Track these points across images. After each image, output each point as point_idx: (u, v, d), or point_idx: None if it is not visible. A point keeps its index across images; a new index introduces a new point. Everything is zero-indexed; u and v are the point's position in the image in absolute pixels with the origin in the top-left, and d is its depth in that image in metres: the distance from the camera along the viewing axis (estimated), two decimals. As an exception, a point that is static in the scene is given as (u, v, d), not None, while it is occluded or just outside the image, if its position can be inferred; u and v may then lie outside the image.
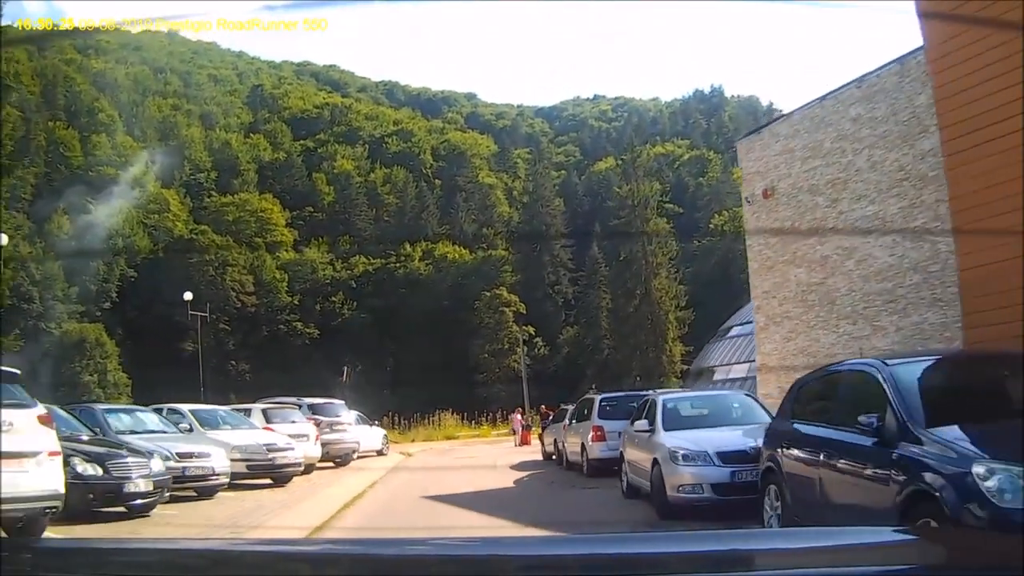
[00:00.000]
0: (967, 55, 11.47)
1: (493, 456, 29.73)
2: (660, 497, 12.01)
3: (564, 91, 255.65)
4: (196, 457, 14.83)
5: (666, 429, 12.66)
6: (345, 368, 72.55)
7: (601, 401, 19.50)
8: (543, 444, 28.03)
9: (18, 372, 9.94)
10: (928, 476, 6.00)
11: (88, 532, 10.72)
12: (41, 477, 9.26)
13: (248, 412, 19.93)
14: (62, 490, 9.64)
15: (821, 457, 7.63)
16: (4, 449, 8.63)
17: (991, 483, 5.55)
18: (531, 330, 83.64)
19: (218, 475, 15.26)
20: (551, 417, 29.58)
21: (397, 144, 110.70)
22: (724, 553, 2.31)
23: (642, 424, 13.43)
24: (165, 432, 15.80)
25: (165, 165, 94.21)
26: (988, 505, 5.52)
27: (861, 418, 6.75)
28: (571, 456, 21.07)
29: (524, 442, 37.14)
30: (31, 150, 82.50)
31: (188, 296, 56.93)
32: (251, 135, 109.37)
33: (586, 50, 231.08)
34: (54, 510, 9.64)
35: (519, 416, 41.67)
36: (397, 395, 66.12)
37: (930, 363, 7.94)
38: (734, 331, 34.56)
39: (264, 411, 19.94)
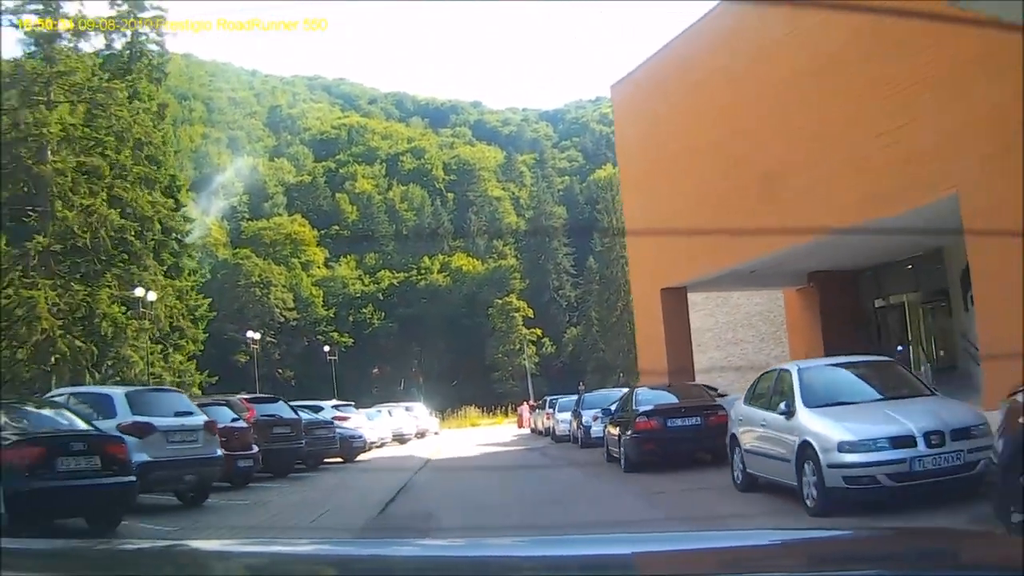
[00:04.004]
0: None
1: (504, 432, 56.51)
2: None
3: (567, 93, 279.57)
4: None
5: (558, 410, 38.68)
6: (406, 376, 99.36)
7: (552, 398, 45.36)
8: (531, 424, 54.74)
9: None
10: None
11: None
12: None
13: (379, 410, 45.89)
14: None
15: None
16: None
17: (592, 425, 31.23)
18: (539, 332, 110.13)
19: (385, 438, 41.29)
20: (534, 408, 56.53)
21: (411, 162, 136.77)
22: (725, 551, 2.62)
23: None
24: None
25: (204, 193, 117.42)
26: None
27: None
28: (540, 428, 47.05)
29: (527, 424, 63.40)
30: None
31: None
32: (275, 158, 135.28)
33: (588, 49, 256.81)
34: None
35: (525, 407, 68.25)
36: (425, 392, 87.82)
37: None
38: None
39: (390, 411, 46.01)
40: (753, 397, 14.30)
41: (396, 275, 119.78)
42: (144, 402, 16.34)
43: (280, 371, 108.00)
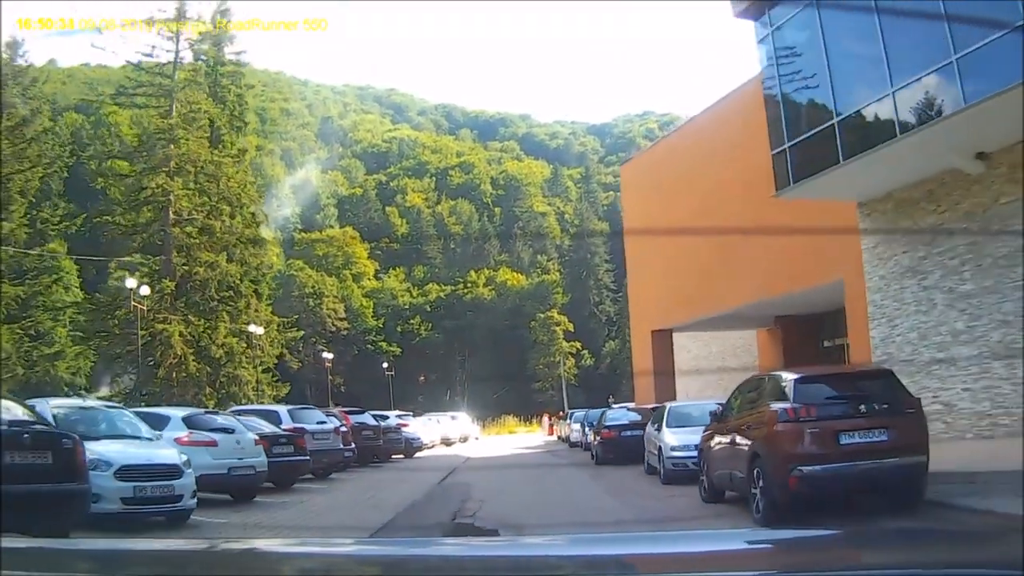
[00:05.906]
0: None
1: (535, 439, 68.89)
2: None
3: (614, 107, 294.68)
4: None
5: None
6: (451, 385, 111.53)
7: (571, 412, 57.40)
8: (557, 432, 66.88)
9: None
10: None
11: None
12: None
13: (430, 418, 57.93)
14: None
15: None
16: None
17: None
18: (578, 345, 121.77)
19: (434, 441, 53.45)
20: (558, 418, 68.67)
21: (460, 176, 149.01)
22: (725, 552, 2.83)
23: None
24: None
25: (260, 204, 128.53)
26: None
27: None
28: (563, 436, 58.82)
29: (553, 433, 75.70)
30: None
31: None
32: (328, 171, 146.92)
33: (636, 63, 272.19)
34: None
35: (547, 418, 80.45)
36: (468, 401, 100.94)
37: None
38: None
39: (439, 419, 58.26)
40: (653, 419, 26.44)
41: (443, 288, 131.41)
42: (298, 415, 28.70)
43: (331, 378, 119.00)
